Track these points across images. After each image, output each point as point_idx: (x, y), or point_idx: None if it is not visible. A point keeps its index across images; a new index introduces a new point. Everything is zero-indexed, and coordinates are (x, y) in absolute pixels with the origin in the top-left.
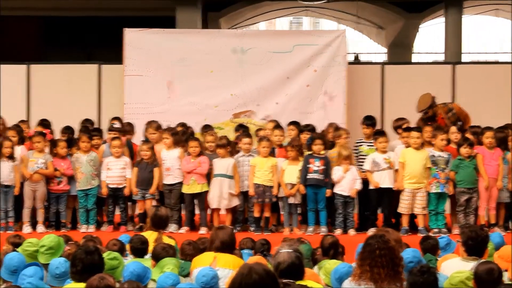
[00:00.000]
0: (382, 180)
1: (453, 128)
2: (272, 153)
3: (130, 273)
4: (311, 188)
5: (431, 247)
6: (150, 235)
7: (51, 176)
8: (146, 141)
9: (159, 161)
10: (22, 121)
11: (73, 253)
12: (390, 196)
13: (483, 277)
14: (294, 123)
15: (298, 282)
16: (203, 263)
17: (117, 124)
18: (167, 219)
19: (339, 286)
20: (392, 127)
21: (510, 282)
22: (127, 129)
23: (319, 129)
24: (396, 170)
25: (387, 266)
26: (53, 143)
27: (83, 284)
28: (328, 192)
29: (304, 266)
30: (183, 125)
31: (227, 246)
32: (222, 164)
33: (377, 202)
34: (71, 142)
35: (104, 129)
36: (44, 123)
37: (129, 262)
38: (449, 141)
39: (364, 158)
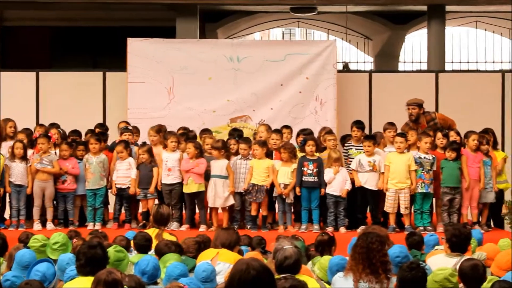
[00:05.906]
0: (364, 181)
1: (439, 134)
2: (270, 155)
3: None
4: (306, 189)
5: (416, 243)
6: (153, 232)
7: (57, 175)
8: (143, 144)
9: (159, 162)
10: (41, 125)
11: (77, 248)
12: (375, 196)
13: (468, 273)
14: (287, 127)
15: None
16: (206, 258)
17: (129, 126)
18: (168, 216)
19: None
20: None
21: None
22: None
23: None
24: (383, 173)
25: (380, 260)
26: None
27: (91, 278)
28: (321, 191)
29: (301, 261)
30: (185, 128)
31: (228, 246)
32: (218, 165)
33: (362, 201)
34: (78, 144)
35: (110, 132)
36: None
37: (145, 257)
38: (436, 146)
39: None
